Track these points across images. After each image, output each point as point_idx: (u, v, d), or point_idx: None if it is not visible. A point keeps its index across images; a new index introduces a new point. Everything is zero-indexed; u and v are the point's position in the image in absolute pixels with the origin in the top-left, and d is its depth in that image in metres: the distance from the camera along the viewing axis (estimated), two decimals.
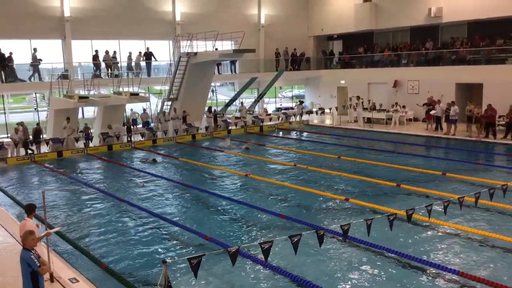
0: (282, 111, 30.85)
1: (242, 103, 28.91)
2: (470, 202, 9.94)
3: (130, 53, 26.70)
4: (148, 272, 8.55)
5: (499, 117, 21.42)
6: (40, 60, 23.88)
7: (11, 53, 23.03)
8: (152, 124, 24.69)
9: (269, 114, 30.27)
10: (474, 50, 25.70)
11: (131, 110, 25.70)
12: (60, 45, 25.51)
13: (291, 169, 16.39)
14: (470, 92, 25.27)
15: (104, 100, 21.59)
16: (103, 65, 25.92)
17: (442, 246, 9.40)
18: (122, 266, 8.89)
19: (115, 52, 26.28)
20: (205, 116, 26.18)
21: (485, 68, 24.41)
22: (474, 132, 21.49)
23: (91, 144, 21.76)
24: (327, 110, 29.69)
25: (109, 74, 25.61)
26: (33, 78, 23.85)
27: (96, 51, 25.51)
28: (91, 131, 22.25)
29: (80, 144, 21.43)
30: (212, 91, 29.39)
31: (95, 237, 10.59)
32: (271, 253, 6.78)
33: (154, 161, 18.53)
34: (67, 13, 24.82)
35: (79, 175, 17.04)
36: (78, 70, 26.18)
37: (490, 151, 19.18)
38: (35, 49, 23.72)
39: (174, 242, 10.12)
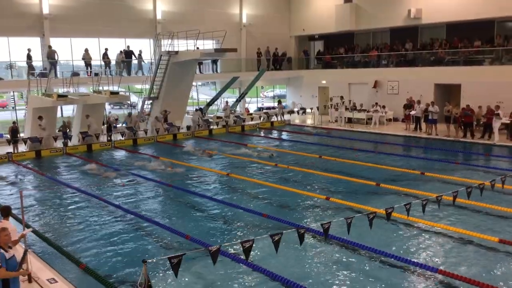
0: (264, 110, 30.90)
1: (227, 102, 28.89)
2: (448, 200, 10.10)
3: (106, 49, 26.43)
4: (128, 272, 8.48)
5: (478, 118, 21.78)
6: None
7: None
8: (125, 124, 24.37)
9: (251, 114, 30.30)
10: (452, 51, 26.13)
11: (109, 113, 25.34)
12: (38, 43, 25.09)
13: (272, 169, 16.43)
14: (449, 92, 25.70)
15: (83, 99, 21.31)
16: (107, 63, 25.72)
17: (421, 244, 9.54)
18: (102, 266, 8.80)
19: (106, 49, 26.14)
20: (191, 115, 26.08)
21: (463, 69, 24.86)
22: (452, 132, 21.86)
23: (70, 143, 21.47)
24: (308, 110, 29.84)
25: (89, 73, 25.30)
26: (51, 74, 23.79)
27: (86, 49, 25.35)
28: (69, 129, 21.92)
29: (59, 144, 21.13)
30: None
31: (74, 237, 10.45)
32: (252, 252, 6.78)
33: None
34: (45, 11, 24.41)
35: (58, 174, 16.80)
36: (57, 68, 25.79)
37: (468, 150, 19.53)
38: (29, 49, 23.87)
39: (154, 241, 10.06)
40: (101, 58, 26.13)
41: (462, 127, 21.60)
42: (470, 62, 25.15)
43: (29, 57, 23.94)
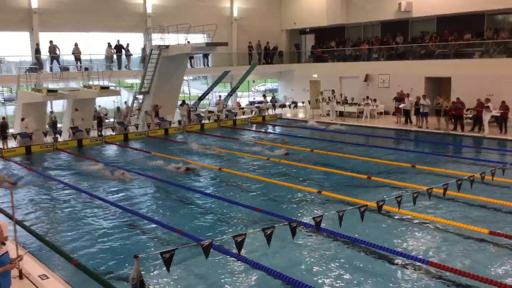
0: (256, 105, 30.87)
1: (220, 96, 28.78)
2: (438, 193, 10.17)
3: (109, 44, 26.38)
4: (120, 267, 8.46)
5: (467, 110, 21.95)
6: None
7: None
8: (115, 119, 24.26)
9: (242, 108, 30.25)
10: (443, 44, 26.24)
11: (99, 106, 25.20)
12: (28, 38, 24.82)
13: (264, 163, 16.43)
14: (439, 85, 25.81)
15: (73, 94, 21.16)
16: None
17: (411, 236, 9.62)
18: (94, 261, 8.77)
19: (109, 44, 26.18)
20: (178, 109, 25.97)
21: (454, 62, 24.96)
22: (442, 125, 22.00)
23: (60, 139, 21.31)
24: (300, 104, 29.86)
25: (79, 67, 25.08)
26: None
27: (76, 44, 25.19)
28: (59, 125, 21.76)
29: (49, 139, 20.99)
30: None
31: (65, 233, 10.41)
32: (244, 246, 6.80)
33: (187, 170, 15.53)
34: (34, 5, 24.13)
35: (49, 170, 16.69)
36: (47, 63, 25.56)
37: (458, 143, 19.67)
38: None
39: (146, 236, 10.04)
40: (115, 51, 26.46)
41: (452, 120, 21.74)
42: (460, 55, 25.26)
43: (37, 51, 24.02)
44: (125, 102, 25.66)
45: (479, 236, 9.28)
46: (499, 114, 20.53)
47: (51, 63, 24.26)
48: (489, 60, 23.81)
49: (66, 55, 25.41)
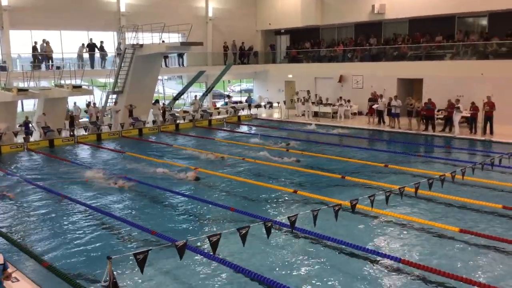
0: (231, 105, 30.82)
1: (195, 96, 28.62)
2: (410, 192, 10.36)
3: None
4: (93, 269, 8.32)
5: (438, 111, 22.40)
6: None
7: None
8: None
9: (218, 108, 30.18)
10: (415, 46, 26.72)
11: (75, 103, 24.76)
12: None
13: (239, 163, 16.42)
14: (412, 87, 26.28)
15: (44, 93, 20.73)
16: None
17: (384, 234, 9.77)
18: (66, 263, 8.61)
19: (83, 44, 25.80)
20: (151, 109, 25.74)
21: (425, 64, 25.47)
22: (414, 125, 22.40)
23: (31, 139, 20.86)
24: (275, 104, 29.96)
25: (50, 66, 24.60)
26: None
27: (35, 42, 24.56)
28: (31, 125, 21.30)
29: (20, 139, 20.52)
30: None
31: (37, 234, 10.19)
32: (219, 246, 6.78)
33: (197, 179, 14.30)
34: (5, 2, 23.55)
35: (19, 171, 16.30)
36: (17, 61, 24.98)
37: (429, 143, 20.06)
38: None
39: (120, 238, 9.92)
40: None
41: (424, 120, 22.16)
42: (432, 57, 25.78)
43: (34, 49, 23.97)
44: (93, 103, 25.03)
45: (450, 234, 9.48)
46: (469, 115, 21.04)
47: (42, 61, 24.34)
48: (460, 62, 24.35)
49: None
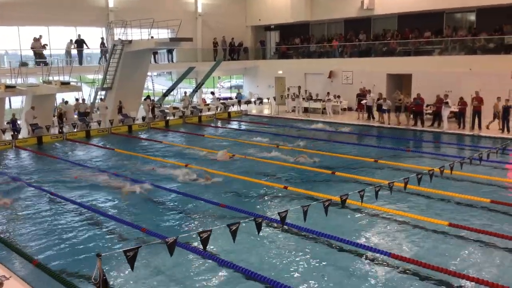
0: (221, 101, 30.78)
1: (185, 93, 28.48)
2: (399, 187, 10.42)
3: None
4: (83, 267, 8.28)
5: (427, 106, 22.54)
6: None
7: None
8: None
9: (208, 104, 30.10)
10: (403, 42, 26.84)
11: (65, 101, 24.54)
12: None
13: (230, 159, 16.38)
14: (401, 82, 26.40)
15: (32, 90, 20.51)
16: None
17: (374, 229, 9.83)
18: (56, 261, 8.54)
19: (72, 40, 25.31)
20: (141, 105, 25.64)
21: (414, 59, 25.60)
22: (403, 121, 22.52)
23: (19, 136, 20.65)
24: (265, 100, 29.94)
25: (38, 63, 24.32)
26: None
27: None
28: (19, 122, 21.09)
29: (8, 136, 20.31)
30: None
31: (26, 232, 10.10)
32: (209, 242, 6.77)
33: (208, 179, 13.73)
34: None
35: (7, 168, 16.14)
36: (5, 58, 24.67)
37: (418, 138, 20.19)
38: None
39: (110, 235, 9.86)
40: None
41: (412, 115, 22.29)
42: (421, 53, 25.91)
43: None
44: (82, 99, 24.82)
45: (439, 228, 9.56)
46: (457, 110, 21.19)
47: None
48: (448, 57, 24.50)
49: (25, 50, 24.64)
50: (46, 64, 23.24)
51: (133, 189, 12.73)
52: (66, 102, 23.24)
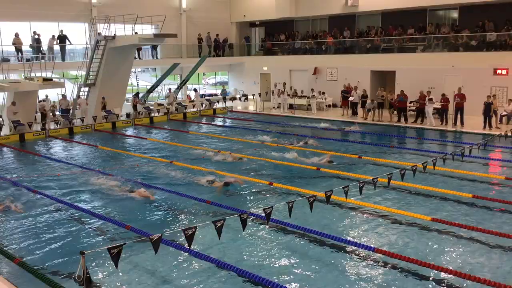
0: (206, 97, 30.66)
1: (170, 89, 28.31)
2: (383, 182, 10.52)
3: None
4: (66, 265, 8.20)
5: (410, 102, 22.77)
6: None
7: None
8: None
9: (193, 101, 29.94)
10: (387, 39, 27.04)
11: (48, 97, 24.23)
12: None
13: (215, 155, 16.36)
14: (385, 79, 26.62)
15: (14, 86, 20.20)
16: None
17: (358, 224, 9.91)
18: (38, 259, 8.46)
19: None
20: (130, 103, 25.44)
21: (398, 56, 25.83)
22: (386, 117, 22.72)
23: (1, 133, 20.34)
24: (250, 97, 29.92)
25: (20, 58, 23.95)
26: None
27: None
28: (1, 119, 20.77)
29: None
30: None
31: (7, 230, 9.96)
32: (195, 239, 6.76)
33: (227, 184, 12.75)
34: None
35: None
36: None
37: (402, 134, 20.38)
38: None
39: (93, 233, 9.78)
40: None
41: (396, 112, 22.49)
42: (404, 50, 26.16)
43: (38, 41, 24.09)
44: (63, 95, 24.46)
45: (422, 223, 9.69)
46: (440, 106, 21.43)
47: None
48: (431, 54, 24.78)
49: (6, 46, 24.22)
50: (28, 60, 22.89)
51: (124, 189, 12.63)
52: (46, 97, 22.95)
